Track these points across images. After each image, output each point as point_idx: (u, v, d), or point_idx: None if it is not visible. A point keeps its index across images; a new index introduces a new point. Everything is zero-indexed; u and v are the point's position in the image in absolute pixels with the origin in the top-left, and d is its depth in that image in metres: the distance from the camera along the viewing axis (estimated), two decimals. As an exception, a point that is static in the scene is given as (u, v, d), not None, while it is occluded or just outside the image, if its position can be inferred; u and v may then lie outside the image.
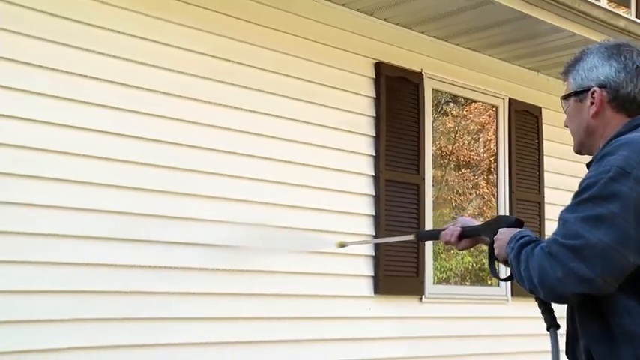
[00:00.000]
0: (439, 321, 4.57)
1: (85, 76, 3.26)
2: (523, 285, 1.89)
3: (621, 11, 5.14)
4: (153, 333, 3.41)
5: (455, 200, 5.18)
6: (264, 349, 3.77)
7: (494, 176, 5.20)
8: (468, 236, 2.23)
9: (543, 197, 5.29)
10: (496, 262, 2.14)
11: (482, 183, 5.33)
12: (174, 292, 3.48)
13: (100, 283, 3.27)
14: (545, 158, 5.35)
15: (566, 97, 2.06)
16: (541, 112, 5.35)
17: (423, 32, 4.65)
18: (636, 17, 5.51)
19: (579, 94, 2.01)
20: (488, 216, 5.23)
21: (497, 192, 5.16)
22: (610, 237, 1.73)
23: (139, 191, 3.40)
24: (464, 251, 5.11)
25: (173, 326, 3.48)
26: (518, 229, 2.02)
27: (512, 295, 4.99)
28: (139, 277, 3.39)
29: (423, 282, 4.47)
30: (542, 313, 1.99)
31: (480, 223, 2.25)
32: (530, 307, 5.28)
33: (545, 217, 5.23)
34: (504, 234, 2.02)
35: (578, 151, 2.08)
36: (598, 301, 1.79)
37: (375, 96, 4.37)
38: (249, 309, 3.72)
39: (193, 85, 3.60)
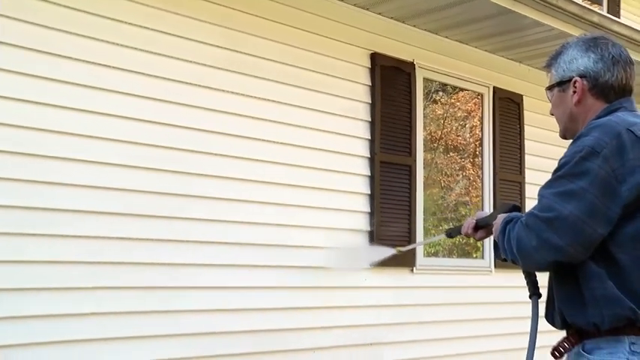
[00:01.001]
0: (429, 290, 4.64)
1: (109, 66, 3.27)
2: (507, 257, 1.95)
3: (595, 8, 5.22)
4: (169, 300, 3.46)
5: (443, 181, 5.24)
6: (273, 315, 3.83)
7: (480, 159, 5.23)
8: (482, 227, 2.24)
9: (524, 177, 5.36)
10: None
11: (469, 165, 5.38)
12: (186, 264, 3.52)
13: (120, 254, 3.29)
14: (526, 142, 5.40)
15: (550, 88, 2.09)
16: (522, 100, 5.38)
17: (414, 25, 4.67)
18: (608, 13, 5.59)
19: (562, 84, 2.05)
20: (474, 195, 5.31)
21: (482, 173, 5.20)
22: (580, 210, 1.78)
23: (158, 172, 3.43)
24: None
25: (186, 294, 3.53)
26: (510, 213, 2.05)
27: (495, 267, 5.06)
28: (156, 250, 3.42)
29: (414, 255, 4.51)
30: (527, 283, 2.02)
31: (490, 214, 2.28)
32: (511, 278, 5.44)
33: (526, 195, 5.30)
34: (499, 219, 2.06)
35: (564, 135, 2.12)
36: (573, 268, 1.84)
37: (370, 84, 4.40)
38: (259, 280, 3.78)
39: (207, 74, 3.62)
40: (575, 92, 2.02)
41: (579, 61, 2.02)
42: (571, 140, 2.07)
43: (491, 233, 2.26)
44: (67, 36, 3.17)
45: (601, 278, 1.83)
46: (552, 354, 1.98)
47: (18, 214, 3.02)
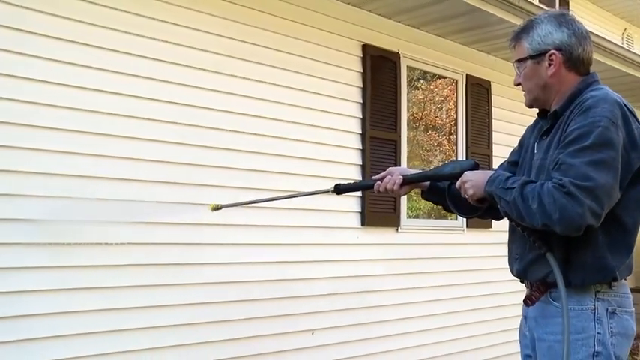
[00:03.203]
0: (411, 246, 4.70)
1: (135, 55, 3.25)
2: (530, 220, 1.72)
3: (548, 9, 5.22)
4: (192, 253, 3.46)
5: (424, 155, 5.26)
6: (279, 267, 3.85)
7: (455, 136, 5.24)
8: (410, 183, 2.06)
9: (492, 151, 5.40)
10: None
11: (445, 142, 5.40)
12: (208, 224, 3.51)
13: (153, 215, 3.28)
14: (493, 121, 5.42)
15: (522, 60, 1.92)
16: (490, 85, 5.40)
17: (400, 21, 4.70)
18: (560, 12, 5.59)
19: (537, 57, 1.89)
20: (449, 167, 5.33)
21: (456, 148, 5.21)
22: (612, 178, 1.68)
23: (177, 145, 3.41)
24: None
25: (207, 249, 3.55)
26: (495, 172, 1.90)
27: (466, 227, 5.11)
28: (182, 211, 3.41)
29: (399, 217, 4.58)
30: (534, 241, 1.82)
31: (420, 172, 2.10)
32: (479, 236, 5.48)
33: (493, 166, 5.33)
34: (477, 175, 1.90)
35: (531, 105, 1.97)
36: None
37: (362, 71, 4.40)
38: (269, 237, 3.80)
39: (221, 62, 3.60)
40: (551, 65, 1.87)
41: (554, 36, 1.87)
42: (536, 109, 2.00)
43: (415, 189, 2.11)
44: (109, 32, 3.17)
45: (596, 247, 1.75)
46: (525, 302, 1.95)
47: (72, 182, 3.02)
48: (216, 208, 2.57)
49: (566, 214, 1.65)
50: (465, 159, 5.16)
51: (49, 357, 2.86)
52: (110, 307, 3.07)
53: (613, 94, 1.80)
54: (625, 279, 1.84)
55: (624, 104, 1.78)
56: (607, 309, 1.79)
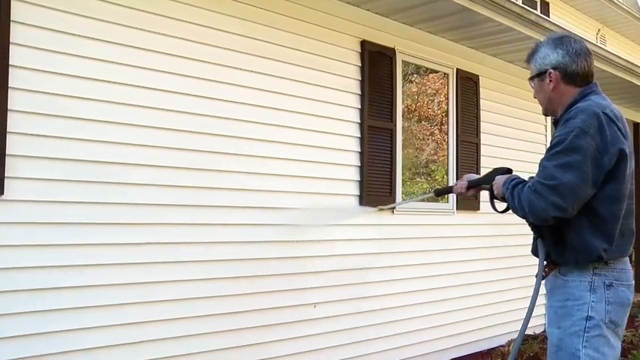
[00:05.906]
0: (406, 227, 4.72)
1: (161, 52, 3.28)
2: (517, 213, 2.03)
3: (531, 9, 5.19)
4: (209, 234, 3.50)
5: (417, 143, 5.25)
6: (285, 246, 3.83)
7: (446, 126, 5.22)
8: (473, 186, 2.34)
9: (480, 140, 5.41)
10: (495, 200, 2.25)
11: (437, 131, 5.39)
12: (220, 206, 3.51)
13: (177, 198, 3.33)
14: (481, 112, 5.41)
15: (532, 79, 2.17)
16: (479, 79, 5.39)
17: (395, 19, 4.67)
18: (541, 13, 5.56)
19: (540, 75, 2.12)
20: (441, 155, 5.33)
21: (447, 137, 5.20)
22: (576, 177, 1.87)
23: (196, 133, 3.42)
24: (423, 180, 5.24)
25: (220, 230, 3.55)
26: (509, 175, 2.15)
27: (456, 209, 5.13)
28: (202, 196, 3.44)
29: (394, 200, 4.56)
30: (532, 229, 2.10)
31: (481, 176, 2.37)
32: (468, 218, 5.48)
33: (481, 154, 5.37)
34: (500, 179, 2.15)
35: (545, 114, 2.20)
36: (560, 222, 1.95)
37: (361, 65, 4.39)
38: (275, 219, 3.77)
39: (233, 57, 3.61)
40: (550, 81, 2.08)
41: (551, 57, 2.08)
42: (549, 117, 2.20)
43: (481, 190, 2.38)
44: (134, 31, 3.20)
45: (578, 231, 1.94)
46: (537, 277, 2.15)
47: (104, 168, 3.07)
48: (380, 209, 3.41)
49: (533, 207, 1.92)
50: (455, 145, 5.18)
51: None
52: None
53: (594, 106, 1.96)
54: (623, 257, 2.02)
55: (604, 113, 1.94)
56: (604, 282, 1.97)
